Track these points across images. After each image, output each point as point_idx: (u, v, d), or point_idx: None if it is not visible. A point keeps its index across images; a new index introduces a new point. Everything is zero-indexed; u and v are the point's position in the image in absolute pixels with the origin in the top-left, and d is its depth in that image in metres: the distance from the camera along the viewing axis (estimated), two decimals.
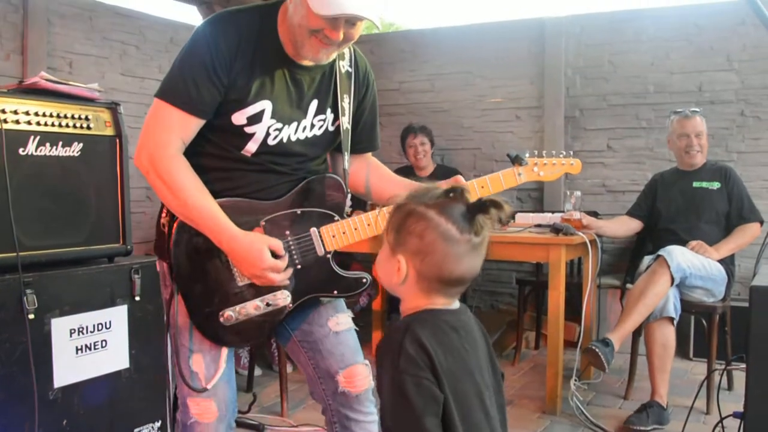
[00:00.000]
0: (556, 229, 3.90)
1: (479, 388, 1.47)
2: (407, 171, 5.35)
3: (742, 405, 2.11)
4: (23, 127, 2.54)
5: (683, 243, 3.97)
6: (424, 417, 1.35)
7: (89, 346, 2.71)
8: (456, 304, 1.54)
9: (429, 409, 1.36)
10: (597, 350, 3.57)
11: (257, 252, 1.94)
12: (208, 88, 1.93)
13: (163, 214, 2.08)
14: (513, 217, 4.55)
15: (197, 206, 1.94)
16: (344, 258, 2.16)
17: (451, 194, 1.47)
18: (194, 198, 1.94)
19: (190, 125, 1.97)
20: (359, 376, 2.15)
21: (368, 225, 2.10)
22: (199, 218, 1.95)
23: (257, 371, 4.45)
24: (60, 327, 2.62)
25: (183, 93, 1.94)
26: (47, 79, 2.67)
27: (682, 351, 4.75)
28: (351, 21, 1.88)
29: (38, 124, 2.58)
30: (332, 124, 2.15)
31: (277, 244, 1.99)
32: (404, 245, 1.47)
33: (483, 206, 1.44)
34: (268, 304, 2.06)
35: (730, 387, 4.17)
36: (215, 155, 2.05)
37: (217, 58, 1.93)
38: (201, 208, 1.94)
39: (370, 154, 2.37)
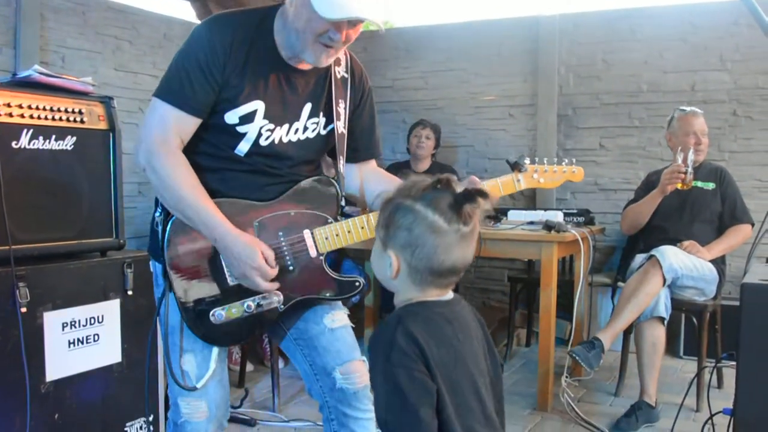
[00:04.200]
0: (548, 227, 3.90)
1: (474, 377, 1.48)
2: (403, 166, 5.35)
3: (732, 402, 2.13)
4: (16, 120, 2.54)
5: (675, 242, 3.98)
6: (419, 408, 1.36)
7: (81, 340, 2.71)
8: (449, 295, 1.55)
9: (423, 400, 1.37)
10: (577, 358, 3.58)
11: (251, 251, 1.95)
12: (203, 86, 1.97)
13: (157, 214, 2.08)
14: (505, 215, 4.56)
15: (192, 202, 1.95)
16: (336, 252, 2.15)
17: (438, 185, 1.48)
18: (189, 194, 1.95)
19: (187, 123, 2.00)
20: (357, 372, 2.15)
21: (362, 228, 2.11)
22: (194, 214, 1.96)
23: (249, 367, 4.45)
24: (52, 320, 2.61)
25: (179, 91, 1.97)
26: (41, 72, 2.66)
27: (672, 349, 4.78)
28: (353, 22, 1.92)
29: (31, 117, 2.58)
30: (324, 128, 2.16)
31: (270, 254, 2.00)
32: (394, 240, 1.48)
33: (470, 196, 1.44)
34: (259, 305, 2.06)
35: (719, 385, 4.19)
36: (209, 154, 2.06)
37: (211, 56, 1.96)
38: (196, 204, 1.95)
39: (373, 162, 2.37)
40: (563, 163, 2.31)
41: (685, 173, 3.86)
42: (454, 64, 5.99)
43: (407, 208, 1.47)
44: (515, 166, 2.19)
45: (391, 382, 1.38)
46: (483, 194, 1.45)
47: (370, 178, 2.32)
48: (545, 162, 2.26)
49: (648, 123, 5.34)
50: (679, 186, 3.90)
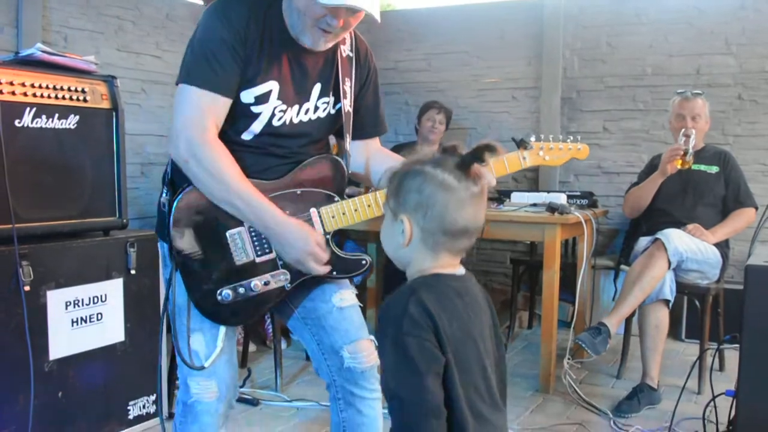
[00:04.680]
0: (551, 209, 3.89)
1: (481, 355, 1.47)
2: (407, 147, 5.28)
3: (734, 385, 2.13)
4: (19, 98, 2.54)
5: (678, 225, 3.97)
6: (426, 376, 1.35)
7: (85, 319, 2.72)
8: (461, 270, 1.55)
9: (431, 368, 1.36)
10: (583, 345, 3.58)
11: (305, 236, 1.97)
12: (230, 63, 1.94)
13: (164, 195, 2.07)
14: (508, 197, 4.55)
15: (242, 192, 1.94)
16: (339, 234, 2.16)
17: (445, 152, 1.48)
18: (238, 184, 1.94)
19: (220, 105, 1.96)
20: (364, 351, 2.14)
21: (368, 206, 2.11)
22: (244, 205, 1.95)
23: (251, 347, 4.46)
24: (55, 299, 2.62)
25: (207, 73, 1.93)
26: (44, 51, 2.66)
27: (674, 332, 4.78)
28: (352, 10, 1.91)
29: (34, 95, 2.57)
30: (333, 107, 2.16)
31: (322, 240, 2.02)
32: (405, 205, 1.47)
33: (477, 154, 1.43)
34: (266, 284, 2.06)
35: (721, 368, 4.19)
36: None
37: (234, 33, 1.93)
38: (247, 195, 1.94)
39: (376, 139, 2.36)
40: (568, 141, 2.30)
41: (685, 153, 3.85)
42: (458, 47, 5.96)
43: (416, 171, 1.46)
44: (521, 144, 2.19)
45: (400, 350, 1.37)
46: (490, 148, 1.42)
47: (375, 156, 2.32)
48: (551, 139, 2.25)
49: (652, 106, 5.32)
50: (678, 165, 3.90)
